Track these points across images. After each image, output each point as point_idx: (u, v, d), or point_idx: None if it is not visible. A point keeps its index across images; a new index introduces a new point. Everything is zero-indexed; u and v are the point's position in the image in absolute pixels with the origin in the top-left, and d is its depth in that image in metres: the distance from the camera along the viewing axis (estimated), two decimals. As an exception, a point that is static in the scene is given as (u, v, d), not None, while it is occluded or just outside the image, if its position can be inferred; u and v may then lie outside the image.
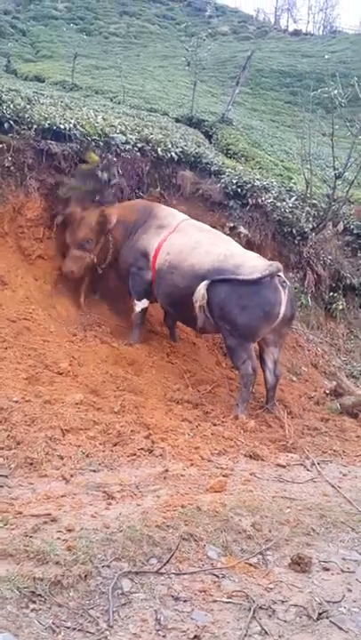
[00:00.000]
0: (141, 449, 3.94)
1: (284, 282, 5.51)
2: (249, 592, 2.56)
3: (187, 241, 5.87)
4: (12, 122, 5.93)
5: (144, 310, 6.22)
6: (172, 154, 7.30)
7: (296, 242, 7.93)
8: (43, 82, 17.40)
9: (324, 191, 9.24)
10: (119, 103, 13.99)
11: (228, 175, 7.66)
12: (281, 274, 5.50)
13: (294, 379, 6.70)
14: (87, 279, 6.36)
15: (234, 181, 7.56)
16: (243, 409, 5.35)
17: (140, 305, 6.19)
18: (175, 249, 5.87)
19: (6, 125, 5.89)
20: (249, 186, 7.57)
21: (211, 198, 7.55)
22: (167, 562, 2.62)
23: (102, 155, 6.47)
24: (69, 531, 2.69)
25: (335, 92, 8.20)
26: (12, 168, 5.94)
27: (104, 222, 6.16)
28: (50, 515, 2.81)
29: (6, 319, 5.41)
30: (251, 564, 2.79)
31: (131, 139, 6.90)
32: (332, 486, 3.92)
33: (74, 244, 6.19)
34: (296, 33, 43.48)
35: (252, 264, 5.54)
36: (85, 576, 2.42)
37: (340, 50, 32.73)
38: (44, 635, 2.12)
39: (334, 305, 8.29)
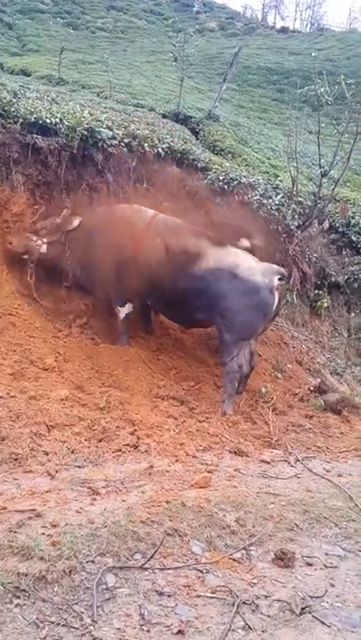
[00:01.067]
0: (127, 445, 3.95)
1: (280, 283, 5.68)
2: (233, 587, 2.58)
3: (170, 239, 5.75)
4: (-3, 115, 5.88)
5: (129, 315, 6.08)
6: (159, 150, 7.28)
7: (282, 239, 7.96)
8: (29, 76, 17.27)
9: (310, 189, 9.26)
10: (106, 98, 13.92)
11: (214, 172, 7.67)
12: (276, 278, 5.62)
13: (279, 375, 6.73)
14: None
15: (220, 178, 7.57)
16: (228, 404, 5.42)
17: (123, 310, 6.05)
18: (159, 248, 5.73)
19: (-8, 119, 5.84)
20: (235, 183, 7.58)
21: (197, 195, 7.55)
22: (151, 557, 2.63)
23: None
24: (54, 526, 2.69)
25: (322, 89, 8.23)
26: (-3, 162, 5.89)
27: (65, 222, 6.01)
28: (34, 510, 2.81)
29: (-9, 314, 5.38)
30: (235, 560, 2.81)
31: (117, 134, 6.87)
32: (322, 477, 3.97)
33: (31, 228, 6.05)
34: (283, 30, 43.60)
35: (248, 264, 5.61)
36: (70, 571, 2.42)
37: (326, 47, 32.84)
38: (29, 630, 2.12)
39: (319, 303, 8.33)
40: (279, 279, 5.67)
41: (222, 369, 5.79)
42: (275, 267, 5.77)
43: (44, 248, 5.97)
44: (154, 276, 5.69)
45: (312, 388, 6.39)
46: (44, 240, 5.98)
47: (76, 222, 6.01)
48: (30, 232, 6.00)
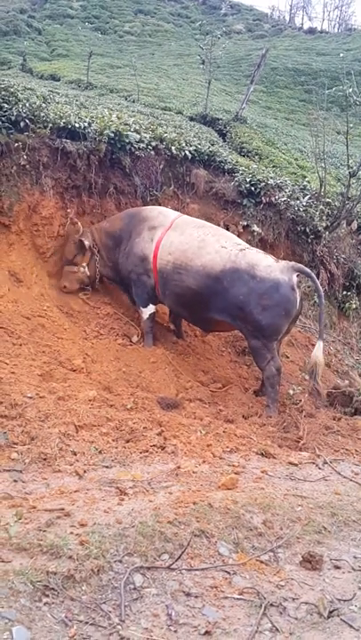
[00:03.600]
0: (154, 446, 3.96)
1: (300, 281, 5.62)
2: (260, 589, 2.57)
3: (188, 238, 5.75)
4: (27, 120, 5.96)
5: (152, 315, 6.14)
6: (186, 152, 7.31)
7: (309, 240, 7.92)
8: (58, 80, 17.53)
9: (339, 190, 9.19)
10: (134, 102, 14.05)
11: (241, 173, 7.66)
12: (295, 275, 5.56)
13: (307, 377, 6.67)
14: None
15: (247, 180, 7.56)
16: (274, 409, 5.45)
17: (147, 311, 6.11)
18: (177, 247, 5.74)
19: (22, 124, 5.93)
20: (263, 184, 7.57)
21: (224, 197, 7.56)
22: (179, 558, 2.64)
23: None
24: (82, 525, 2.71)
25: (350, 90, 8.18)
26: (27, 166, 5.98)
27: (81, 242, 6.19)
28: (63, 509, 2.83)
29: (21, 316, 5.46)
30: (262, 562, 2.80)
31: (145, 137, 6.91)
32: (351, 480, 3.93)
33: (65, 260, 6.28)
34: (311, 31, 43.32)
35: (267, 263, 5.54)
36: (98, 570, 2.44)
37: (355, 48, 32.55)
38: (57, 628, 2.14)
39: (347, 304, 8.27)
40: (297, 275, 5.57)
41: (261, 374, 5.77)
42: (293, 263, 5.68)
43: (84, 270, 6.25)
44: (169, 276, 5.78)
45: (333, 390, 6.26)
46: (83, 265, 6.22)
47: (87, 239, 6.20)
48: (67, 265, 6.25)
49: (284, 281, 5.42)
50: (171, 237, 5.83)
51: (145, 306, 6.10)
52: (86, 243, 6.13)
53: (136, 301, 6.20)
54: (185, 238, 5.77)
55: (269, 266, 5.49)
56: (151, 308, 6.11)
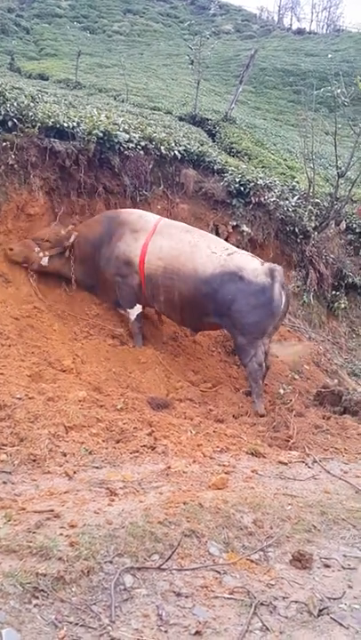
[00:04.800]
0: (144, 446, 3.95)
1: (283, 282, 5.78)
2: (250, 588, 2.57)
3: (178, 244, 5.81)
4: (15, 120, 5.94)
5: (140, 316, 6.12)
6: (176, 152, 7.31)
7: (298, 240, 7.95)
8: (46, 80, 17.47)
9: (327, 190, 9.24)
10: (123, 101, 14.03)
11: (231, 174, 7.67)
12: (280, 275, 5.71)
13: (296, 377, 6.71)
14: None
15: (237, 180, 7.57)
16: (260, 404, 5.60)
17: (133, 312, 6.09)
18: (168, 253, 5.78)
19: (10, 123, 5.91)
20: (252, 184, 7.58)
21: (214, 197, 7.57)
22: (169, 558, 2.63)
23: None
24: (72, 527, 2.70)
25: (338, 90, 8.22)
26: (15, 166, 5.95)
27: (64, 237, 6.05)
28: (53, 511, 2.82)
29: (10, 317, 5.43)
30: (252, 561, 2.81)
31: (134, 137, 6.90)
32: (340, 479, 3.95)
33: (34, 236, 6.07)
34: (300, 31, 43.52)
35: (253, 266, 5.70)
36: (88, 572, 2.43)
37: (343, 48, 32.74)
38: (47, 630, 2.13)
39: (336, 304, 8.31)
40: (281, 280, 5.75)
41: (245, 371, 5.89)
42: (278, 266, 5.86)
43: (45, 261, 6.03)
44: (160, 281, 5.79)
45: (322, 390, 6.30)
46: (47, 253, 6.02)
47: (72, 237, 6.07)
48: (33, 240, 6.03)
49: (270, 283, 5.61)
50: (158, 242, 5.84)
51: (132, 307, 6.09)
52: (68, 242, 6.04)
53: (122, 304, 6.16)
54: (175, 244, 5.81)
55: (256, 269, 5.68)
56: (138, 308, 6.10)
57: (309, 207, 8.11)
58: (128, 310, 6.11)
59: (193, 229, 6.13)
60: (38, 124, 6.13)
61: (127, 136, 6.80)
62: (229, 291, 5.59)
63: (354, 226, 8.97)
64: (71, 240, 6.06)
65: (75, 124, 6.39)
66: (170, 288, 5.78)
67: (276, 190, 7.83)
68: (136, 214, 6.22)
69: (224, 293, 5.60)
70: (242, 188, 7.54)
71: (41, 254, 6.00)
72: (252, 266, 5.70)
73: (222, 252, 5.83)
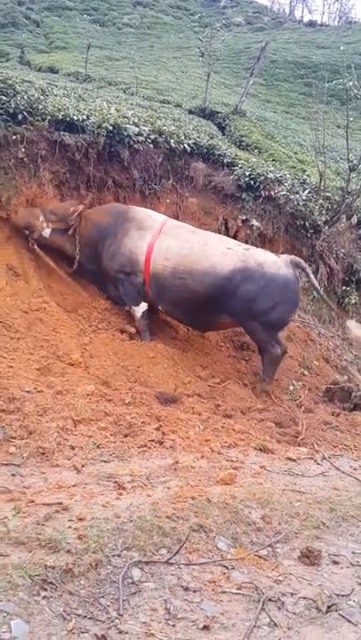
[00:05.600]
0: (152, 440, 3.95)
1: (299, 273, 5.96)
2: (258, 584, 2.57)
3: (187, 244, 5.78)
4: (25, 113, 5.93)
5: (145, 313, 6.06)
6: (185, 145, 7.27)
7: (309, 235, 7.89)
8: (56, 73, 17.44)
9: (338, 184, 9.17)
10: (132, 94, 13.98)
11: (241, 167, 7.63)
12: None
13: (306, 372, 6.68)
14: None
15: (247, 173, 7.52)
16: (268, 382, 5.81)
17: (139, 309, 6.04)
18: (177, 253, 5.74)
19: (20, 117, 5.90)
20: (262, 178, 7.53)
21: (223, 190, 7.53)
22: (177, 552, 2.64)
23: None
24: (81, 520, 2.71)
25: (350, 83, 8.14)
26: (25, 159, 5.94)
27: (70, 214, 5.97)
28: (61, 504, 2.83)
29: (19, 310, 5.45)
30: (260, 556, 2.80)
31: (144, 130, 6.87)
32: (349, 475, 3.94)
33: (43, 205, 6.04)
34: (311, 24, 43.13)
35: (273, 259, 5.77)
36: (96, 565, 2.44)
37: (355, 41, 32.42)
38: (55, 622, 2.14)
39: (347, 299, 8.25)
40: (296, 267, 5.93)
41: (265, 355, 5.99)
42: (292, 257, 6.03)
43: (46, 232, 5.99)
44: (168, 281, 5.76)
45: (332, 386, 6.27)
46: (50, 225, 5.98)
47: (75, 215, 5.97)
48: (41, 211, 5.98)
49: (291, 275, 5.75)
50: (166, 242, 5.81)
51: (137, 304, 6.03)
52: (71, 221, 5.97)
53: (126, 301, 6.11)
54: (183, 243, 5.79)
55: (276, 262, 5.76)
56: (143, 306, 6.04)
57: (320, 201, 8.05)
58: (133, 308, 6.06)
59: (198, 230, 6.14)
60: (48, 118, 6.12)
61: (137, 129, 6.77)
62: (252, 287, 5.61)
63: (365, 220, 8.90)
64: (74, 217, 5.96)
65: (84, 117, 6.37)
66: (180, 288, 5.72)
67: (286, 184, 7.77)
68: (144, 212, 6.19)
69: (246, 290, 5.61)
70: (252, 182, 7.49)
71: (44, 224, 5.96)
72: (272, 259, 5.77)
73: (237, 247, 5.87)
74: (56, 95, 7.41)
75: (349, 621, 2.38)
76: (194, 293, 5.69)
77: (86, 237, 6.08)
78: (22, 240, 6.03)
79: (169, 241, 5.82)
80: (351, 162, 8.36)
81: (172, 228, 5.97)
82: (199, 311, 5.82)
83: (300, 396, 5.89)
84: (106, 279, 6.21)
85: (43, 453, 3.49)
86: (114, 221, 6.06)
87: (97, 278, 6.30)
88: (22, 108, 5.92)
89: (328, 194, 8.40)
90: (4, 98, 5.86)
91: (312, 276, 6.20)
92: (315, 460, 4.23)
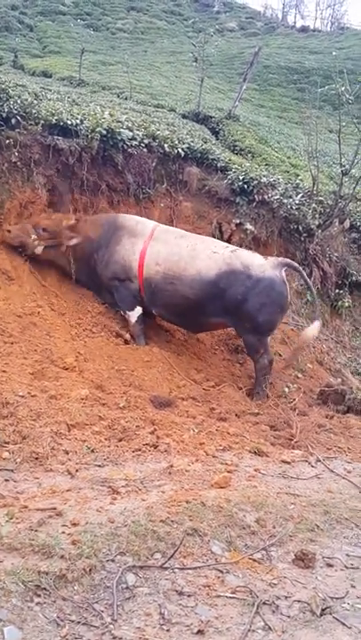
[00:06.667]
0: (146, 444, 3.95)
1: (288, 275, 6.01)
2: (253, 587, 2.57)
3: (175, 249, 5.83)
4: (19, 117, 5.93)
5: (140, 318, 6.07)
6: (179, 150, 7.29)
7: (302, 239, 7.92)
8: (50, 77, 17.45)
9: (331, 188, 9.21)
10: (126, 99, 14.02)
11: (234, 171, 7.65)
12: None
13: (299, 375, 6.69)
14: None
15: (240, 178, 7.54)
16: (262, 394, 5.79)
17: (134, 314, 6.06)
18: (166, 258, 5.80)
19: (13, 121, 5.90)
20: (255, 182, 7.55)
21: (217, 195, 7.54)
22: (171, 557, 2.63)
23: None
24: (74, 525, 2.70)
25: (342, 88, 8.17)
26: (18, 163, 5.94)
27: (66, 236, 5.96)
28: (55, 509, 2.82)
29: (13, 314, 5.43)
30: (255, 560, 2.80)
31: (137, 135, 6.89)
32: (343, 478, 3.94)
33: (34, 221, 6.00)
34: (304, 29, 43.39)
35: (259, 262, 5.76)
36: (90, 570, 2.43)
37: (347, 46, 32.63)
38: (49, 628, 2.13)
39: (340, 302, 8.28)
40: (285, 270, 5.92)
41: (254, 366, 6.04)
42: (281, 259, 6.05)
43: (39, 250, 5.98)
44: (160, 286, 5.80)
45: (326, 389, 6.27)
46: (42, 243, 5.95)
47: (72, 242, 6.00)
48: (33, 226, 5.95)
49: (278, 277, 5.71)
50: (156, 247, 5.87)
51: (132, 309, 6.06)
52: (72, 242, 5.99)
53: (121, 307, 6.13)
54: (172, 249, 5.84)
55: (262, 264, 5.74)
56: (138, 310, 6.06)
57: (313, 205, 8.08)
58: (128, 313, 6.08)
59: (187, 234, 6.17)
60: (41, 122, 6.12)
61: (130, 134, 6.78)
62: (238, 289, 5.63)
63: (358, 224, 8.93)
64: (70, 243, 5.99)
65: (78, 121, 6.38)
66: (171, 292, 5.79)
67: (279, 188, 7.80)
68: (133, 220, 6.22)
69: (233, 292, 5.64)
70: (245, 186, 7.51)
71: (36, 242, 5.95)
72: (258, 261, 5.77)
73: (224, 249, 5.88)
74: (50, 99, 7.42)
75: (344, 624, 2.37)
76: (184, 298, 5.76)
77: (79, 251, 6.10)
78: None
79: (159, 246, 5.88)
80: (343, 166, 8.39)
81: (162, 233, 6.03)
82: (192, 315, 5.88)
83: (294, 399, 5.89)
84: (101, 286, 6.22)
85: (36, 458, 3.47)
86: (104, 232, 6.07)
87: (93, 286, 6.32)
88: (15, 112, 5.92)
89: (321, 198, 8.43)
90: (-2, 102, 5.86)
91: (305, 275, 6.27)
92: (309, 463, 4.23)
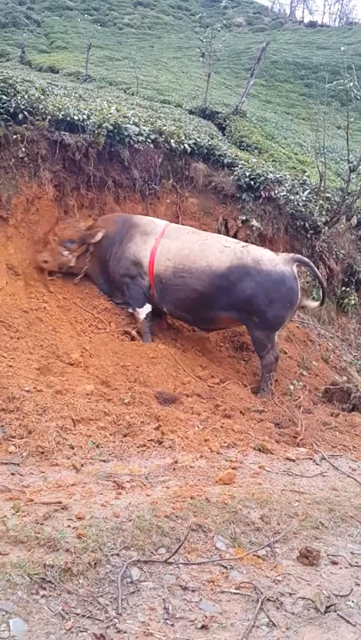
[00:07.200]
0: (151, 440, 3.96)
1: (299, 272, 5.96)
2: (257, 584, 2.57)
3: (186, 244, 5.89)
4: (26, 112, 5.93)
5: (149, 315, 6.11)
6: (186, 146, 7.27)
7: (309, 236, 7.89)
8: (57, 73, 17.43)
9: (338, 184, 9.17)
10: (133, 94, 13.99)
11: (241, 167, 7.63)
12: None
13: (305, 373, 6.69)
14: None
15: (247, 174, 7.52)
16: (267, 392, 5.78)
17: (143, 311, 6.09)
18: (177, 253, 5.86)
19: (20, 116, 5.90)
20: (262, 179, 7.53)
21: (223, 191, 7.53)
22: (176, 552, 2.64)
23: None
24: (80, 519, 2.71)
25: (351, 84, 8.14)
26: (25, 159, 5.94)
27: (90, 235, 6.10)
28: (60, 503, 2.84)
29: (19, 309, 5.45)
30: (259, 556, 2.81)
31: (144, 130, 6.88)
32: (348, 476, 3.94)
33: (59, 240, 6.09)
34: (312, 24, 43.11)
35: (270, 257, 5.78)
36: (95, 564, 2.44)
37: (356, 42, 32.39)
38: (54, 621, 2.15)
39: (346, 300, 8.26)
40: (297, 266, 5.92)
41: (260, 362, 6.04)
42: (292, 255, 6.03)
43: (73, 262, 6.14)
44: (170, 280, 5.85)
45: (331, 387, 6.27)
46: (74, 254, 6.11)
47: (99, 236, 6.09)
48: (58, 243, 6.07)
49: (289, 273, 5.71)
50: (167, 244, 5.95)
51: (141, 306, 6.09)
52: (98, 237, 6.07)
53: (130, 304, 6.16)
54: (182, 243, 5.92)
55: (273, 259, 5.77)
56: (148, 308, 6.10)
57: (320, 202, 8.05)
58: (137, 310, 6.11)
59: (198, 231, 6.25)
60: (48, 117, 6.12)
61: (137, 129, 6.78)
62: (248, 284, 5.64)
63: (365, 221, 8.90)
64: (97, 238, 6.08)
65: (85, 116, 6.37)
66: (181, 287, 5.83)
67: (286, 184, 7.77)
68: (147, 219, 6.35)
69: (243, 287, 5.66)
70: (252, 182, 7.49)
71: (70, 256, 6.11)
72: (269, 256, 5.79)
73: (235, 244, 5.92)
74: (56, 95, 7.42)
75: (348, 622, 2.38)
76: (194, 291, 5.79)
77: (97, 248, 6.20)
78: (22, 239, 6.03)
79: (170, 243, 5.95)
80: (351, 163, 8.36)
81: (173, 231, 6.10)
82: (200, 309, 5.89)
83: (299, 397, 5.89)
84: (112, 285, 6.27)
85: (42, 452, 3.49)
86: (119, 229, 6.17)
87: (106, 286, 6.38)
88: (23, 107, 5.92)
89: (328, 195, 8.40)
90: (5, 97, 5.86)
91: (317, 271, 6.25)
92: (314, 461, 4.23)
